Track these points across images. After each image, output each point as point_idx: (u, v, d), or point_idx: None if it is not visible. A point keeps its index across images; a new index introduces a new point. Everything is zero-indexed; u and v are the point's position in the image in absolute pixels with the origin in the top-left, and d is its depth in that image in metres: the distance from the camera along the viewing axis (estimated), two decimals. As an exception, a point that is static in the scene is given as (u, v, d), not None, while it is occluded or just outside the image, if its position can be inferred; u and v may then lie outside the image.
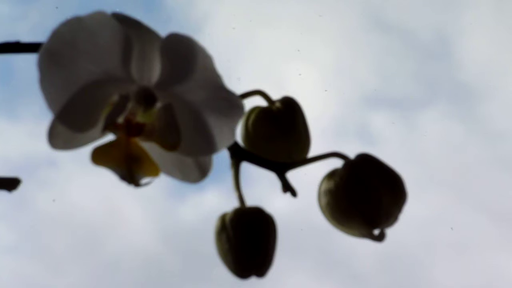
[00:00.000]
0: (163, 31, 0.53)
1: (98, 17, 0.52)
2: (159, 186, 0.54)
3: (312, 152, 0.65)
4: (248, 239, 0.58)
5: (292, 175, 0.61)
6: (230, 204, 0.58)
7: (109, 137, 0.55)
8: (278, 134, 0.63)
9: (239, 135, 0.64)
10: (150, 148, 0.54)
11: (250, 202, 0.60)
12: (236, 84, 0.56)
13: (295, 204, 0.60)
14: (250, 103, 0.65)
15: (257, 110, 0.64)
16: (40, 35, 0.55)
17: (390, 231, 0.58)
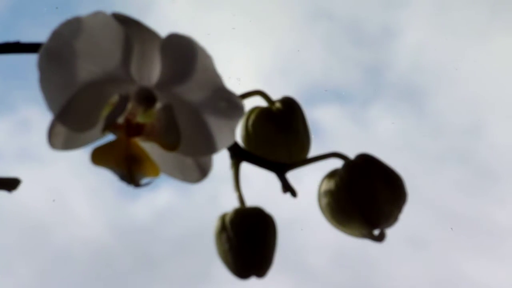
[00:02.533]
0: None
1: (98, 17, 0.52)
2: (111, 182, 0.54)
3: (312, 152, 0.65)
4: (248, 239, 0.58)
5: (292, 175, 0.61)
6: (183, 201, 0.58)
7: (109, 137, 0.55)
8: (278, 134, 0.63)
9: (239, 135, 0.64)
10: (150, 148, 0.54)
11: (249, 202, 0.60)
12: (236, 84, 0.56)
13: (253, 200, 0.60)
14: (250, 103, 0.65)
15: (257, 110, 0.65)
16: (40, 35, 0.55)
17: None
